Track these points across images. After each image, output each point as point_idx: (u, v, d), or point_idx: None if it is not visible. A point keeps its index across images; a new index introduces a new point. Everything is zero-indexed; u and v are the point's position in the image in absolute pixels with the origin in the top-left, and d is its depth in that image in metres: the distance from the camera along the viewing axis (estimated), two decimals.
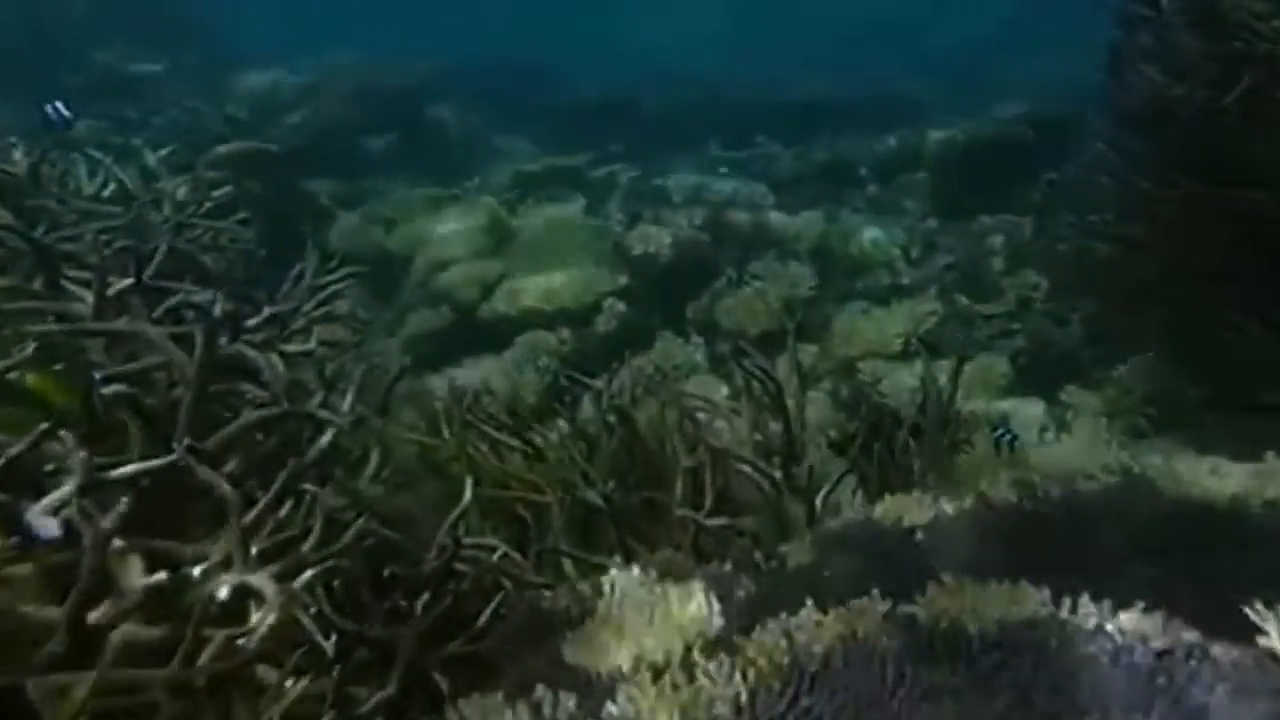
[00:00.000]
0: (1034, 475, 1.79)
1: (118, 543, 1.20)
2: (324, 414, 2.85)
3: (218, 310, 2.74)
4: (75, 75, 9.42)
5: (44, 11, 10.27)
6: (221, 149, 6.26)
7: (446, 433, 3.32)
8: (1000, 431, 3.26)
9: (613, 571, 1.67)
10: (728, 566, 1.78)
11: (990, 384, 4.35)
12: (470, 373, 4.98)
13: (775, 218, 6.87)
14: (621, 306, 5.51)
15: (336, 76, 9.28)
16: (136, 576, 1.19)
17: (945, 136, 6.71)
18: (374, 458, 2.85)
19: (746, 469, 2.86)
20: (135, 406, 1.80)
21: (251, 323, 2.76)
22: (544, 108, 12.14)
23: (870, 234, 6.55)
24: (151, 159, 4.09)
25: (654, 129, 11.61)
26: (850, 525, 1.81)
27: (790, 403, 3.25)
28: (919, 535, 1.63)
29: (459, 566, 1.96)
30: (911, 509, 1.70)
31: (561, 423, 3.59)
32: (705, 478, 2.84)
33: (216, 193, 4.09)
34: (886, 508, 1.76)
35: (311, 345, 3.02)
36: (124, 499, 1.22)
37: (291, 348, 2.68)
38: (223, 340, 2.44)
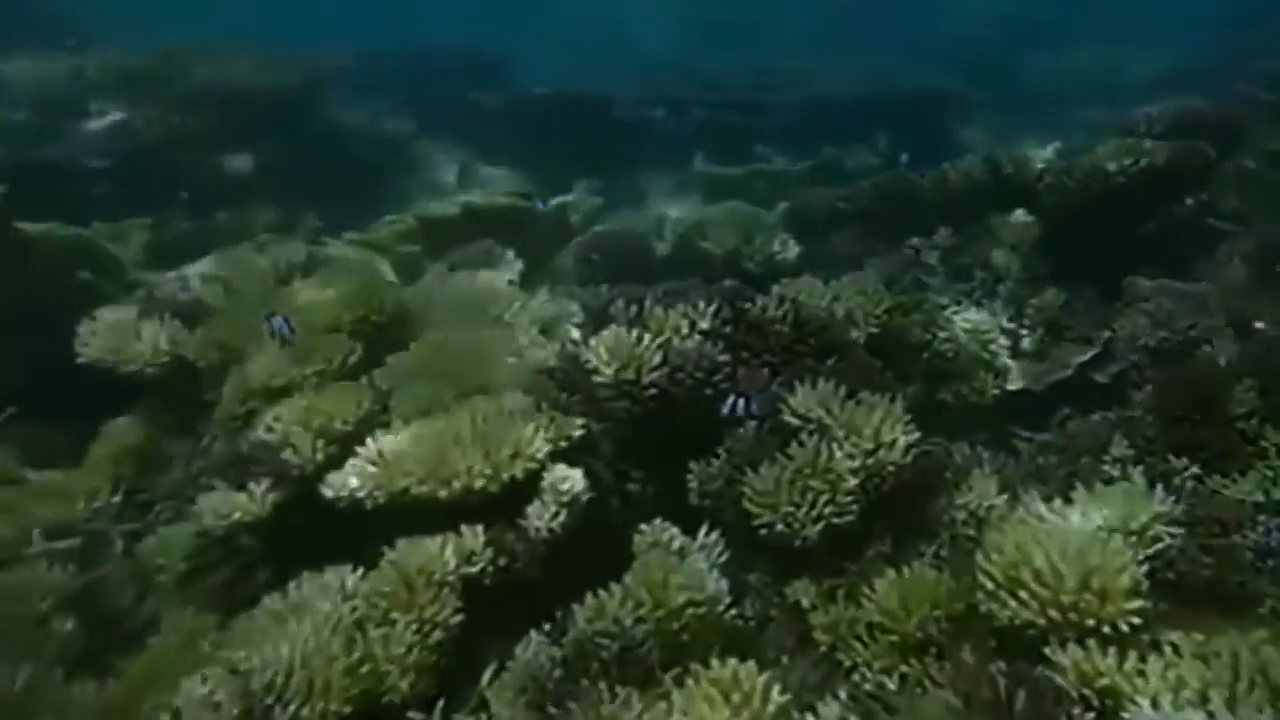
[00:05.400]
0: None
1: None
2: None
3: None
4: None
5: None
6: None
7: None
8: None
9: None
10: None
11: None
12: (280, 650, 2.56)
13: (809, 286, 4.54)
14: (576, 479, 3.12)
15: (181, 64, 6.64)
16: None
17: (1083, 163, 4.38)
18: None
19: None
20: None
21: None
22: (487, 111, 9.67)
23: (965, 315, 4.24)
24: None
25: (625, 135, 9.23)
26: None
27: None
28: None
29: None
30: None
31: None
32: None
33: None
34: None
35: None
36: None
37: None
38: None
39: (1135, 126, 4.71)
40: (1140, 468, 3.00)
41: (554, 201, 5.65)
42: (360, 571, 3.01)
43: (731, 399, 3.02)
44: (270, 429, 3.30)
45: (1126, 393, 3.77)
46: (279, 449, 3.24)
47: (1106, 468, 3.06)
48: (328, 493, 3.12)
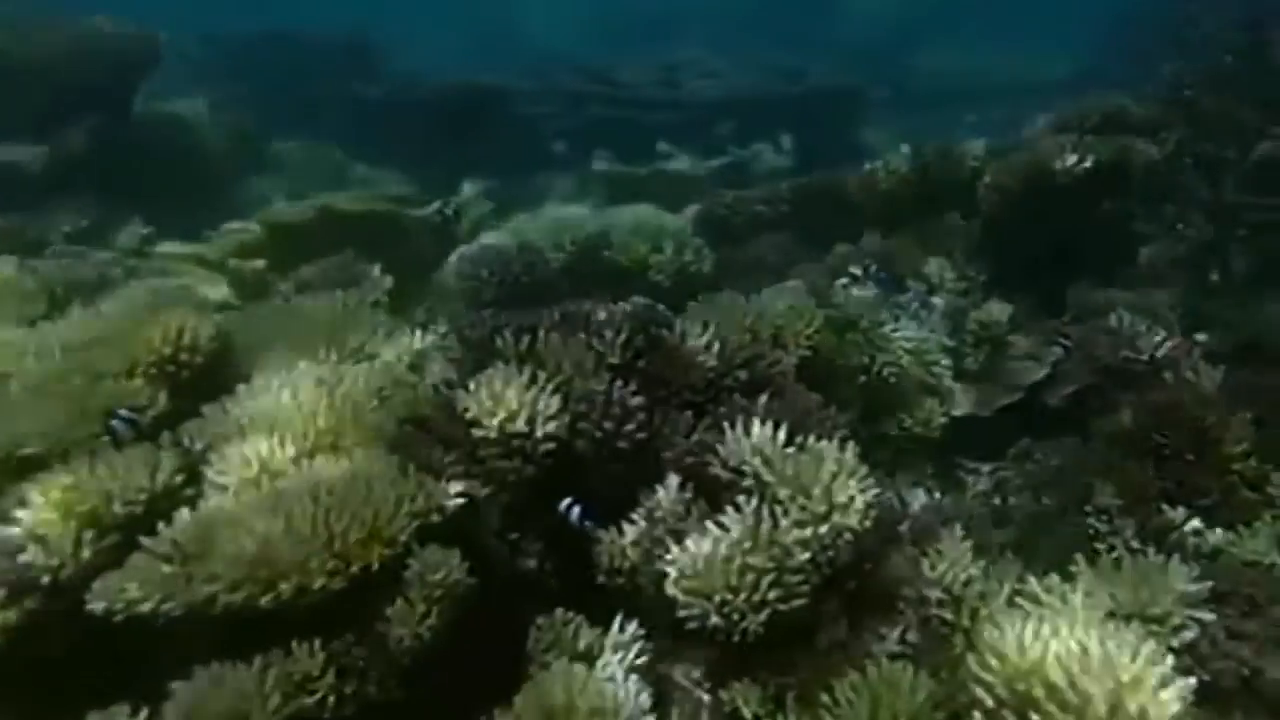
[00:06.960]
0: None
1: None
2: None
3: None
4: None
5: None
6: None
7: None
8: None
9: None
10: None
11: None
12: None
13: (730, 303, 3.94)
14: (452, 566, 2.37)
15: None
16: None
17: (1025, 160, 3.97)
18: None
19: None
20: None
21: None
22: (361, 102, 8.68)
23: (907, 333, 3.74)
24: None
25: (519, 131, 8.46)
26: None
27: None
28: None
29: None
30: None
31: None
32: None
33: None
34: None
35: None
36: None
37: None
38: None
39: (1069, 123, 4.38)
40: (1129, 520, 2.53)
41: (433, 206, 4.85)
42: (142, 717, 2.17)
43: (566, 502, 2.46)
44: (11, 518, 2.38)
45: (1085, 418, 3.36)
46: (20, 547, 2.33)
47: (1091, 521, 2.58)
48: (96, 606, 2.25)
